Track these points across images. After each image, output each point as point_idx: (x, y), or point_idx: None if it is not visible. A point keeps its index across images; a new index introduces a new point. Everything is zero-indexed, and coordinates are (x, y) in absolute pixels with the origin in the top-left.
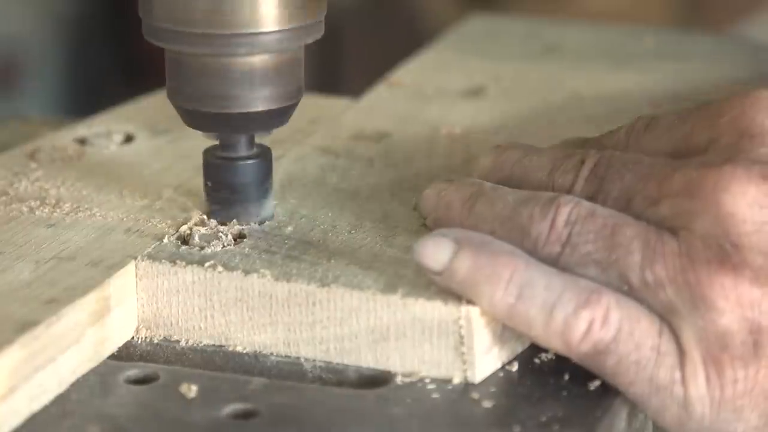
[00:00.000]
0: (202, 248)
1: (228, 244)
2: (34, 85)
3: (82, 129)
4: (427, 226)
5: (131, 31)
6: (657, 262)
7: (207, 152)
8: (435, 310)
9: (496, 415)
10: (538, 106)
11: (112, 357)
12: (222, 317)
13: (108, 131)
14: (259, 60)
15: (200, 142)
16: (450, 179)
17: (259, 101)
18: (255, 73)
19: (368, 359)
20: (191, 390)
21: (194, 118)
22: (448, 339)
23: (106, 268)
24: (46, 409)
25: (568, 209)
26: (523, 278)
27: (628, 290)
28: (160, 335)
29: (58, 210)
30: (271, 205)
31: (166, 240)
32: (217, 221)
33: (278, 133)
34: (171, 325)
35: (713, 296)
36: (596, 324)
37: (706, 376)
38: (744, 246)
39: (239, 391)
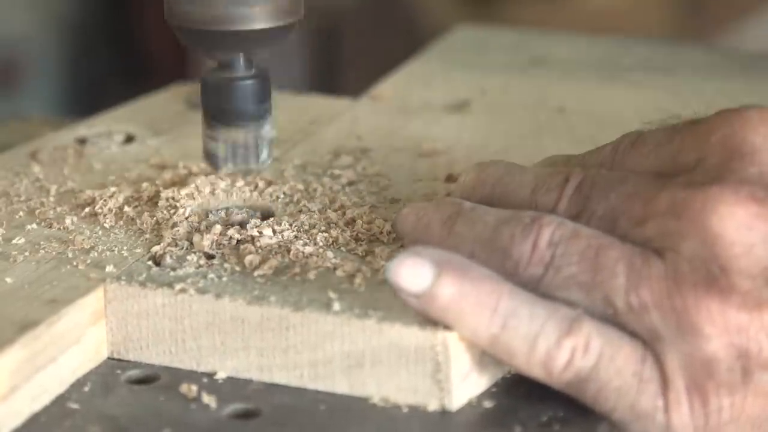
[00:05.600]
0: (174, 269)
1: (201, 266)
2: (35, 85)
3: (83, 129)
4: (405, 246)
5: (132, 32)
6: (642, 285)
7: (205, 73)
8: (411, 335)
9: (496, 415)
10: (523, 122)
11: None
12: (193, 341)
13: (109, 131)
14: None
15: (201, 142)
16: (429, 199)
17: (257, 19)
18: None
19: (343, 385)
20: (192, 390)
21: (192, 37)
22: (425, 365)
23: (106, 268)
24: (46, 409)
25: (550, 230)
26: (508, 308)
27: (612, 314)
28: (130, 359)
29: (58, 210)
30: (269, 128)
31: (137, 261)
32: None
33: (278, 133)
34: (141, 349)
35: (700, 322)
36: (578, 352)
37: (690, 404)
38: (732, 269)
39: (240, 391)
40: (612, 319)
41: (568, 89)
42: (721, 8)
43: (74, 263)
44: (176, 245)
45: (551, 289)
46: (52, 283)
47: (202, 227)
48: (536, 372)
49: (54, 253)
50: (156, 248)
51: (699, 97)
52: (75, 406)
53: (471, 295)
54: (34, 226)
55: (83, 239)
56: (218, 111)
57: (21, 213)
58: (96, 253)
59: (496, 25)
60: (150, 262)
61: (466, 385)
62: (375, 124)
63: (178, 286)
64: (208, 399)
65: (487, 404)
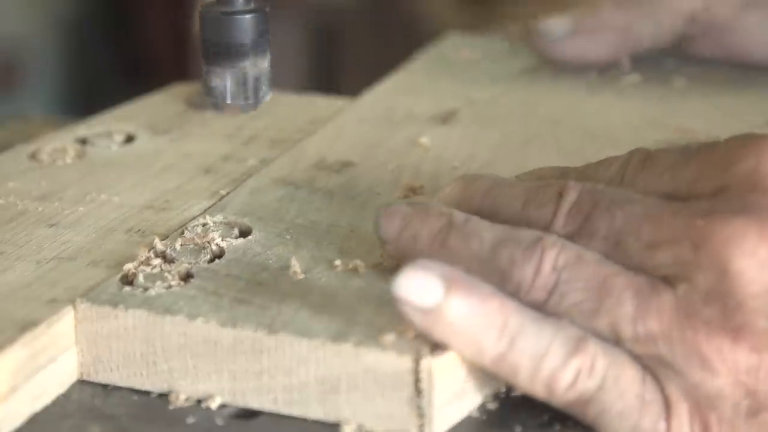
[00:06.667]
0: (146, 290)
1: (174, 285)
2: (35, 85)
3: (83, 129)
4: (385, 254)
5: (131, 32)
6: (651, 315)
7: (204, 8)
8: (389, 360)
9: (497, 415)
10: (511, 133)
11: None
12: (165, 364)
13: (109, 131)
14: None
15: (201, 142)
16: (413, 203)
17: None
18: None
19: (318, 411)
20: None
21: None
22: (403, 391)
23: (107, 268)
24: (47, 409)
25: (554, 254)
26: (516, 326)
27: (617, 341)
28: (99, 381)
29: (59, 210)
30: (266, 62)
31: (108, 279)
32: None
33: (278, 133)
34: (111, 371)
35: (710, 358)
36: (583, 373)
37: (692, 431)
38: (748, 308)
39: None
40: (617, 345)
41: (557, 99)
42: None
43: (74, 263)
44: (149, 264)
45: (554, 314)
46: (52, 283)
47: (177, 245)
48: (539, 391)
49: (54, 253)
50: (128, 266)
51: (689, 108)
52: (75, 406)
53: (480, 312)
54: (35, 225)
55: (83, 239)
56: (217, 46)
57: (21, 213)
58: (97, 254)
59: (496, 24)
60: (121, 282)
61: (449, 411)
62: (358, 136)
63: (149, 307)
64: (208, 400)
65: (488, 405)
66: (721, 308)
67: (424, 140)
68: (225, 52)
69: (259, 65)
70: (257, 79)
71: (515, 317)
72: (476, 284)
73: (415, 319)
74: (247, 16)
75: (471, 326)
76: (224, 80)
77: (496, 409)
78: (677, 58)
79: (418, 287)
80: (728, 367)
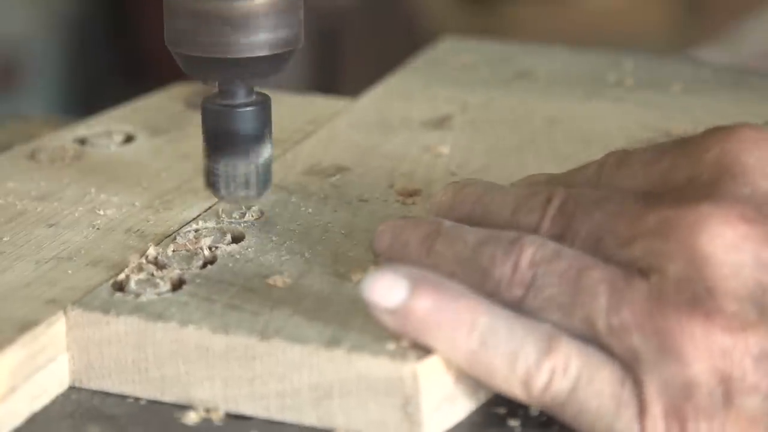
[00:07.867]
0: (138, 296)
1: (166, 292)
2: (34, 85)
3: (82, 129)
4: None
5: (131, 31)
6: (624, 306)
7: (206, 100)
8: (381, 366)
9: (496, 415)
10: (505, 138)
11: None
12: (157, 370)
13: (108, 131)
14: (258, 4)
15: (200, 142)
16: (406, 216)
17: (258, 47)
18: (254, 18)
19: (311, 417)
20: None
21: (192, 65)
22: (395, 398)
23: (106, 268)
24: (46, 409)
25: (532, 250)
26: (486, 324)
27: (592, 335)
28: (91, 388)
29: (58, 210)
30: (269, 153)
31: (101, 286)
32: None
33: (278, 133)
34: (103, 377)
35: (682, 345)
36: (557, 374)
37: (667, 430)
38: (719, 291)
39: None
40: (592, 341)
41: (552, 105)
42: (721, 8)
43: (73, 263)
44: (141, 270)
45: (532, 310)
46: (52, 283)
47: (169, 251)
48: (517, 391)
49: (53, 253)
50: (120, 275)
51: (686, 114)
52: (74, 406)
53: (448, 309)
54: (34, 225)
55: (83, 239)
56: (219, 139)
57: (20, 213)
58: (96, 254)
59: (494, 24)
60: (113, 288)
61: (439, 417)
62: (352, 140)
63: (141, 314)
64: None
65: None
66: (692, 294)
67: (419, 145)
68: (226, 145)
69: (261, 156)
70: (259, 170)
71: (485, 315)
72: (445, 283)
73: (385, 320)
74: (249, 109)
75: (439, 323)
76: (226, 170)
77: (495, 408)
78: (674, 62)
79: (384, 288)
80: (701, 353)
